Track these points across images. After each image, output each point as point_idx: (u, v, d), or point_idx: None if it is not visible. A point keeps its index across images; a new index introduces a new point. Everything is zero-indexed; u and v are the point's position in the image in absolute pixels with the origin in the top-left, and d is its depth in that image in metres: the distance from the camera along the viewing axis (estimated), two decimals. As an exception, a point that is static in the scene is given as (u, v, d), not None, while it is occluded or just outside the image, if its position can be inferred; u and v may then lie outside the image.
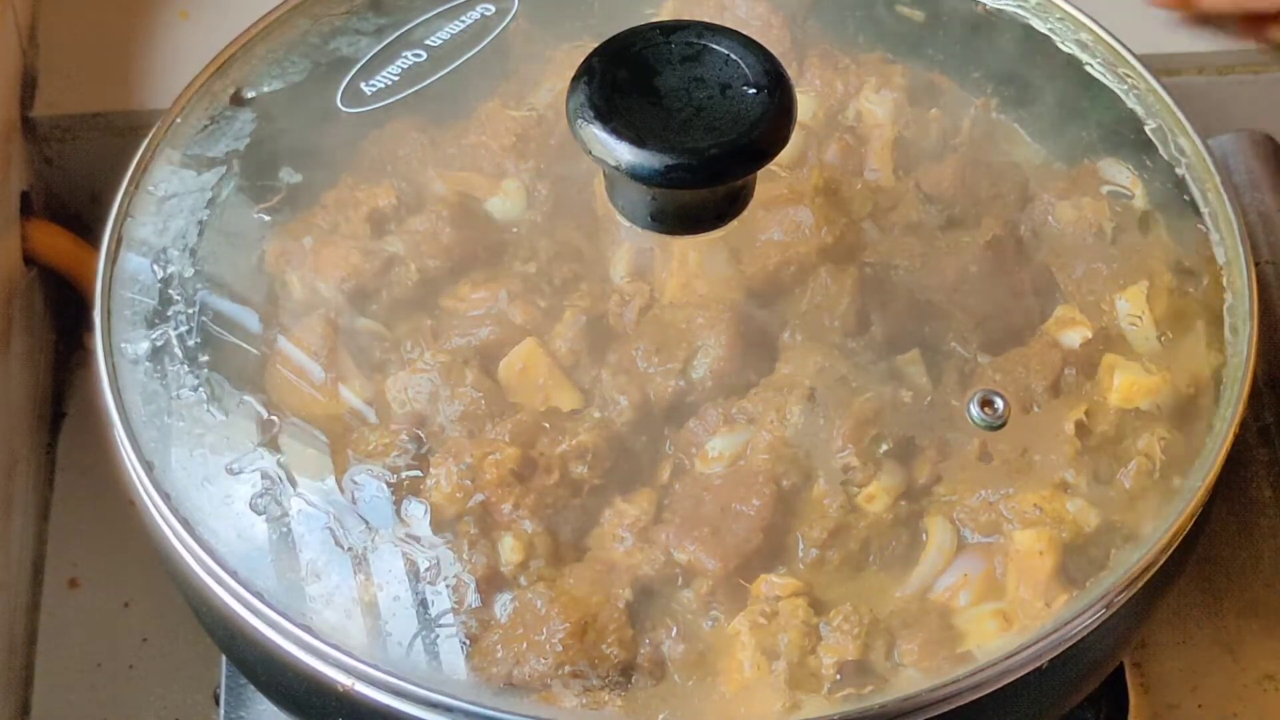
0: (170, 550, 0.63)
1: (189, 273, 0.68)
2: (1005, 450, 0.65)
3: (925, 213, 0.70)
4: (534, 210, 0.70)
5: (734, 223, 0.64)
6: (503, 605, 0.61)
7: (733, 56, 0.62)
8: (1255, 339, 0.67)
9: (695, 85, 0.62)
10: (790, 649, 0.60)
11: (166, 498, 0.63)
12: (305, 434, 0.65)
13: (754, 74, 0.62)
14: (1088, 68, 0.75)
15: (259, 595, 0.61)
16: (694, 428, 0.65)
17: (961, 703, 0.60)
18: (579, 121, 0.61)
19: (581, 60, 0.62)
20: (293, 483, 0.64)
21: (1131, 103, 0.74)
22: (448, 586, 0.61)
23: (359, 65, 0.73)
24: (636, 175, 0.60)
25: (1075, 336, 0.68)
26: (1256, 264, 0.74)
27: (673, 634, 0.61)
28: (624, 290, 0.67)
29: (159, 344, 0.67)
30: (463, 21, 0.74)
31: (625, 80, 0.62)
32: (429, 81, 0.72)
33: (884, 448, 0.64)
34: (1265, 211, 0.93)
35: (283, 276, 0.69)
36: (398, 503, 0.63)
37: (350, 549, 0.62)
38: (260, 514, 0.63)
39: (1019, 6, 0.76)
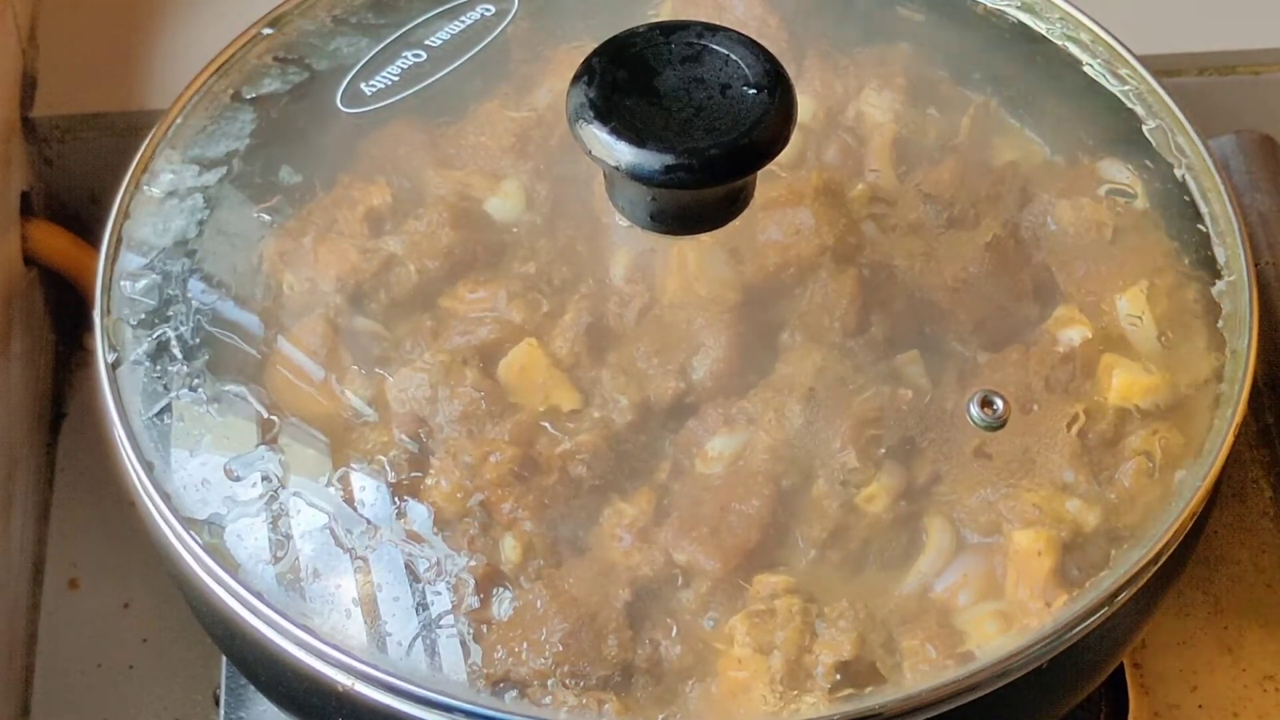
0: (170, 550, 0.63)
1: (189, 273, 0.68)
2: (1005, 450, 0.65)
3: (925, 213, 0.70)
4: (533, 211, 0.70)
5: (734, 223, 0.64)
6: (502, 605, 0.61)
7: (733, 57, 0.62)
8: (1255, 339, 0.67)
9: (695, 85, 0.62)
10: (787, 646, 0.60)
11: (166, 498, 0.63)
12: (305, 434, 0.65)
13: (754, 74, 0.62)
14: (1087, 68, 0.75)
15: (259, 595, 0.61)
16: (694, 428, 0.65)
17: (961, 703, 0.60)
18: (579, 121, 0.61)
19: (581, 60, 0.62)
20: (292, 483, 0.64)
21: (1131, 103, 0.74)
22: (448, 586, 0.61)
23: (359, 65, 0.73)
24: (636, 175, 0.60)
25: (1075, 336, 0.68)
26: (1256, 264, 0.74)
27: (672, 634, 0.61)
28: (623, 290, 0.67)
29: (159, 344, 0.67)
30: (463, 21, 0.74)
31: (625, 80, 0.62)
32: (429, 82, 0.72)
33: (884, 448, 0.64)
34: (1265, 211, 0.93)
35: (281, 276, 0.69)
36: (398, 502, 0.63)
37: (350, 549, 0.62)
38: (260, 514, 0.63)
39: (1018, 6, 0.76)
